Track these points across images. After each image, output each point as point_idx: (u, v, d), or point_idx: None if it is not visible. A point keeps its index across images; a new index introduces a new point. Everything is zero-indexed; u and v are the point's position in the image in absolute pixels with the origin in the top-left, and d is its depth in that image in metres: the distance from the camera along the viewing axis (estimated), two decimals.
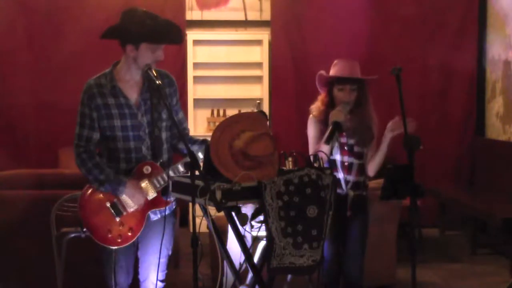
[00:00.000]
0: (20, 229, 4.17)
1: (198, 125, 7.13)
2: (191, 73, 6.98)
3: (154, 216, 3.33)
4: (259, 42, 7.12)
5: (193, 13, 7.14)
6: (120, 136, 3.18)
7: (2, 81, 6.72)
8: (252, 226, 3.53)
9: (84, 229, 3.20)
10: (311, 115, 3.70)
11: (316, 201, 3.39)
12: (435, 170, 6.86)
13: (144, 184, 3.23)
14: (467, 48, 7.05)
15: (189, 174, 3.02)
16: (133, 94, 3.21)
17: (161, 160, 3.26)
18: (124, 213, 3.20)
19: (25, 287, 4.27)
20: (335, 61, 3.68)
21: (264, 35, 7.09)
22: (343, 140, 3.61)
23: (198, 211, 3.14)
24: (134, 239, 3.23)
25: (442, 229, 6.69)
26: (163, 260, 3.41)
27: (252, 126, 3.40)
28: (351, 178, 3.63)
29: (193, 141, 3.44)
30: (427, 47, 7.00)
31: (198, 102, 7.08)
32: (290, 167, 3.57)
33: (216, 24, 7.21)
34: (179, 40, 3.28)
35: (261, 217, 3.41)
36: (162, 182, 3.22)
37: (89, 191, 3.21)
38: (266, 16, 7.17)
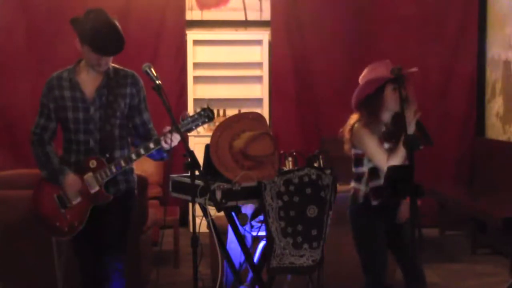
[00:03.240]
0: (20, 229, 4.16)
1: None
2: (191, 73, 6.98)
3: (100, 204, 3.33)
4: (259, 42, 7.12)
5: (193, 13, 7.14)
6: (72, 128, 3.29)
7: (2, 81, 6.71)
8: (252, 226, 3.54)
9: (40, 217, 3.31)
10: (360, 127, 3.45)
11: (316, 201, 3.39)
12: (435, 170, 6.86)
13: (88, 177, 3.27)
14: (467, 48, 7.04)
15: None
16: (90, 89, 3.31)
17: (107, 155, 3.30)
18: (69, 205, 3.27)
19: (25, 287, 4.27)
20: (371, 65, 3.54)
21: (264, 35, 7.09)
22: (389, 145, 3.44)
23: (198, 211, 3.14)
24: (77, 231, 3.27)
25: (442, 229, 6.69)
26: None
27: (252, 126, 3.40)
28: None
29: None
30: (427, 47, 6.99)
31: (198, 102, 7.07)
32: (290, 167, 3.58)
33: (216, 24, 7.21)
34: (113, 53, 3.28)
35: (261, 217, 3.41)
36: (105, 177, 3.26)
37: (41, 182, 3.32)
38: (266, 16, 7.17)
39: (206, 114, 3.24)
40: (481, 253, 5.95)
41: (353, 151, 3.53)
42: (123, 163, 3.25)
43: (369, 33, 6.97)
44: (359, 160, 3.51)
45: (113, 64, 3.38)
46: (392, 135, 3.45)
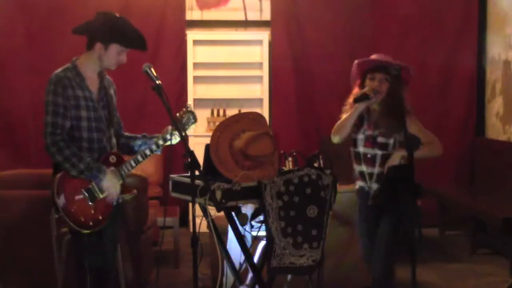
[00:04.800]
0: (20, 229, 4.17)
1: (198, 125, 7.04)
2: (191, 73, 6.98)
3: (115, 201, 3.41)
4: (259, 42, 7.11)
5: (193, 13, 7.14)
6: (85, 127, 3.33)
7: (2, 81, 6.71)
8: (252, 226, 3.54)
9: (60, 213, 3.28)
10: (344, 108, 3.69)
11: (316, 201, 3.40)
12: (435, 170, 6.85)
13: (111, 171, 3.35)
14: (467, 48, 7.04)
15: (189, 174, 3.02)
16: (94, 89, 3.39)
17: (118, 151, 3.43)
18: (98, 198, 3.30)
19: (25, 287, 4.27)
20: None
21: (264, 35, 7.09)
22: (369, 132, 3.57)
23: (198, 211, 3.14)
24: (104, 223, 3.33)
25: (442, 229, 6.69)
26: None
27: (252, 126, 3.41)
28: (375, 170, 3.55)
29: (134, 137, 3.56)
30: (427, 47, 6.99)
31: (198, 102, 7.07)
32: (290, 167, 3.58)
33: (216, 24, 7.20)
34: (145, 48, 3.45)
35: (261, 217, 3.41)
36: (126, 171, 3.36)
37: (64, 178, 3.29)
38: (266, 16, 7.17)
39: (193, 116, 3.43)
40: (481, 253, 5.95)
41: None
42: (140, 158, 3.37)
43: (369, 33, 6.97)
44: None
45: None
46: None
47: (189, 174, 3.10)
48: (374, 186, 3.56)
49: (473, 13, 7.03)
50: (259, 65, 7.10)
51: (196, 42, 7.03)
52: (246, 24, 7.26)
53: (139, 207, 4.52)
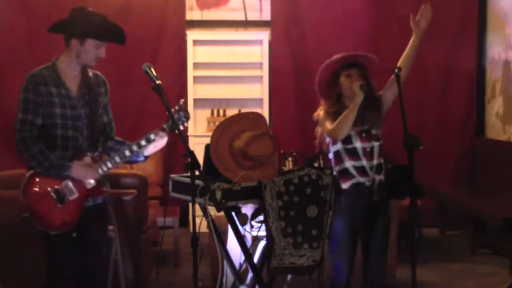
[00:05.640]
0: (20, 229, 4.16)
1: (198, 125, 7.13)
2: (191, 73, 6.98)
3: (87, 203, 3.32)
4: (259, 42, 7.12)
5: (193, 13, 7.14)
6: (59, 124, 3.27)
7: (2, 81, 6.71)
8: (252, 226, 3.54)
9: (26, 214, 3.25)
10: (321, 112, 3.59)
11: (316, 201, 3.39)
12: (435, 170, 6.85)
13: None
14: (467, 48, 7.04)
15: (189, 173, 3.01)
16: (73, 87, 3.33)
17: (97, 152, 3.32)
18: (66, 200, 3.22)
19: (25, 287, 4.27)
20: (336, 55, 3.62)
21: (264, 35, 7.09)
22: (358, 128, 3.52)
23: (198, 211, 3.14)
24: (72, 225, 3.25)
25: (442, 229, 6.69)
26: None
27: (252, 126, 3.40)
28: (374, 162, 3.52)
29: (123, 142, 3.46)
30: (427, 47, 6.98)
31: (198, 102, 7.08)
32: (290, 167, 3.58)
33: (216, 24, 7.21)
34: (122, 40, 3.37)
35: (261, 217, 3.41)
36: (101, 172, 3.25)
37: (33, 176, 3.26)
38: (266, 16, 7.17)
39: (184, 115, 3.23)
40: (481, 253, 5.95)
41: (325, 144, 3.65)
42: (117, 159, 3.25)
43: (369, 33, 6.97)
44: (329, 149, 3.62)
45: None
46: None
47: (189, 174, 3.10)
48: (377, 177, 3.50)
49: (473, 13, 7.04)
50: (259, 65, 7.11)
51: (196, 42, 7.03)
52: (246, 24, 7.26)
53: (139, 207, 4.52)
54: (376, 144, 3.53)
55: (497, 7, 6.78)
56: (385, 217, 3.57)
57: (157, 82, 3.15)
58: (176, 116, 3.19)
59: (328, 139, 3.58)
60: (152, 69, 3.19)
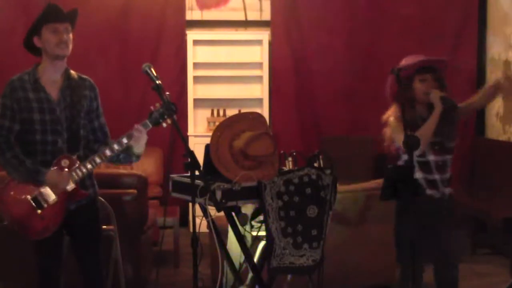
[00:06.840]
0: None
1: (198, 125, 7.13)
2: (191, 73, 6.98)
3: (71, 206, 3.29)
4: (259, 42, 7.11)
5: (193, 13, 7.14)
6: (38, 130, 3.24)
7: (2, 81, 6.70)
8: (252, 226, 3.54)
9: (5, 222, 3.23)
10: (391, 118, 3.51)
11: (316, 201, 3.40)
12: None
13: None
14: (467, 48, 7.04)
15: (189, 174, 3.01)
16: (53, 91, 3.30)
17: (77, 154, 3.27)
18: (45, 206, 3.18)
19: (25, 287, 4.27)
20: (405, 58, 3.54)
21: (264, 35, 7.09)
22: (431, 140, 3.45)
23: (198, 211, 3.14)
24: (54, 230, 3.22)
25: None
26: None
27: (252, 126, 3.41)
28: (446, 176, 3.50)
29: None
30: (427, 47, 6.98)
31: (198, 102, 7.07)
32: (290, 167, 3.58)
33: (216, 24, 7.20)
34: (73, 18, 3.40)
35: (261, 217, 3.41)
36: (80, 174, 3.21)
37: (11, 183, 3.23)
38: (266, 16, 7.17)
39: (169, 107, 3.17)
40: (481, 253, 5.95)
41: (393, 146, 3.58)
42: (98, 160, 3.20)
43: (369, 33, 6.97)
44: (399, 155, 3.57)
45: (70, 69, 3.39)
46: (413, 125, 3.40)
47: (189, 174, 3.10)
48: (447, 191, 3.52)
49: (473, 13, 7.03)
50: (259, 65, 7.10)
51: (196, 42, 7.03)
52: (246, 24, 7.26)
53: (139, 207, 4.52)
54: (448, 157, 3.51)
55: (497, 7, 6.78)
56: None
57: (157, 82, 3.15)
58: (161, 110, 3.15)
59: (397, 144, 3.50)
60: (152, 69, 3.19)
